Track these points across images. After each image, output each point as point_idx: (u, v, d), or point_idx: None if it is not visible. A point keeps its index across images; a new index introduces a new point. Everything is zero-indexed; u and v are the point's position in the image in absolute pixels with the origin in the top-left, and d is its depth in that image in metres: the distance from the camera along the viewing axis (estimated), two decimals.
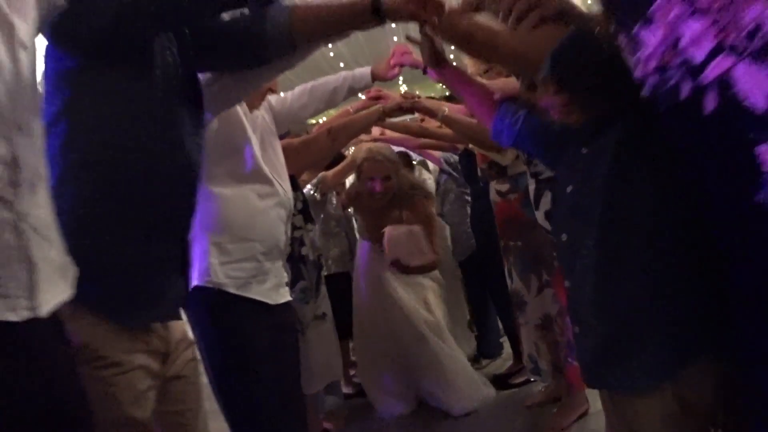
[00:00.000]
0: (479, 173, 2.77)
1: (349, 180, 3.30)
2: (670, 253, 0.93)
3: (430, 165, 4.21)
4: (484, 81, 1.63)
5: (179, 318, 1.36)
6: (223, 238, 1.60)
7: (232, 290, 1.62)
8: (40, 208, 0.85)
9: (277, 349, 1.76)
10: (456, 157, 3.26)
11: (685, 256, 0.92)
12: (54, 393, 0.85)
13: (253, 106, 1.78)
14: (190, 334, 1.47)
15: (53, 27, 1.04)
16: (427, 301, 3.04)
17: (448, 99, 2.86)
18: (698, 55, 0.62)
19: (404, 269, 2.87)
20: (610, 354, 1.03)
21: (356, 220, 3.55)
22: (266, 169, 1.75)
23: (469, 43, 1.19)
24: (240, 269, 1.65)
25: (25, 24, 0.88)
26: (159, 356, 1.25)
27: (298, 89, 2.12)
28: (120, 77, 1.15)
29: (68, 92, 1.11)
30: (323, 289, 2.43)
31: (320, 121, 3.17)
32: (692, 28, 0.62)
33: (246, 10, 1.29)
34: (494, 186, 2.58)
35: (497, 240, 2.60)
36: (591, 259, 1.01)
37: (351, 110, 2.43)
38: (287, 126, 2.16)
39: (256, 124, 1.79)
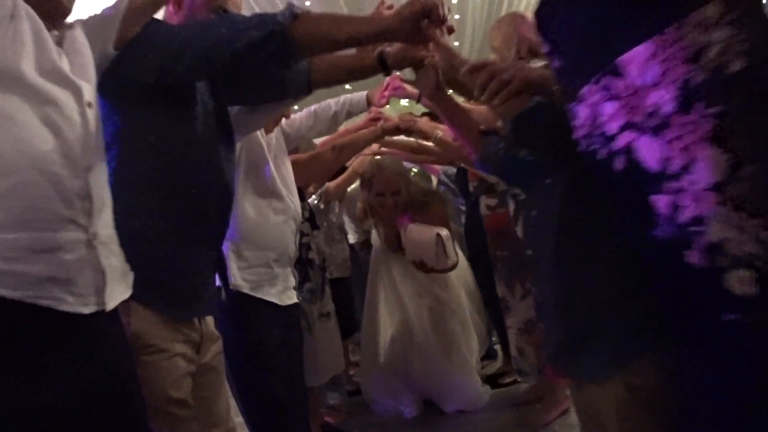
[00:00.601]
0: (471, 189, 2.97)
1: (351, 188, 3.37)
2: (613, 265, 1.13)
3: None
4: (471, 106, 1.83)
5: (214, 313, 1.58)
6: (241, 246, 1.83)
7: (247, 291, 1.85)
8: (106, 227, 1.09)
9: (286, 345, 1.99)
10: (454, 170, 3.40)
11: (625, 267, 1.12)
12: (113, 371, 1.08)
13: (269, 130, 2.01)
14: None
15: (105, 77, 1.24)
16: (440, 306, 2.96)
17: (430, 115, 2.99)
18: (611, 129, 0.83)
19: (428, 270, 2.79)
20: (570, 349, 1.24)
21: (351, 228, 3.60)
22: (281, 187, 1.98)
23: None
24: (254, 273, 1.88)
25: (88, 85, 1.11)
26: (194, 346, 1.47)
27: (304, 112, 2.35)
28: (165, 112, 1.37)
29: (119, 124, 1.30)
30: (328, 290, 2.65)
31: None
32: (608, 109, 0.83)
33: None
34: (484, 201, 2.78)
35: (487, 249, 2.80)
36: (550, 269, 1.22)
37: (351, 129, 2.63)
38: (296, 144, 2.39)
39: (270, 145, 2.01)
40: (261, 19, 1.30)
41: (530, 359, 2.72)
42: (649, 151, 0.80)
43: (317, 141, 2.80)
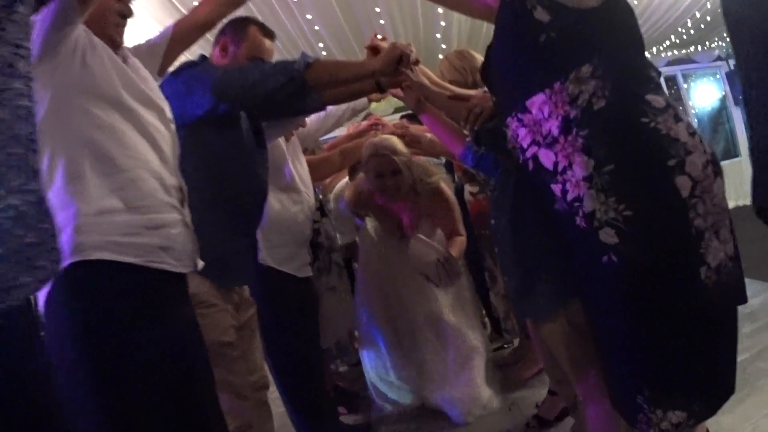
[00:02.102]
0: (456, 178, 3.33)
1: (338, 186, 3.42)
2: (547, 234, 1.55)
3: None
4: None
5: (249, 283, 2.03)
6: (267, 231, 2.25)
7: (272, 265, 2.30)
8: (189, 213, 1.50)
9: (303, 309, 2.45)
10: (442, 161, 3.78)
11: (557, 234, 1.55)
12: (194, 316, 1.51)
13: (288, 137, 2.47)
14: None
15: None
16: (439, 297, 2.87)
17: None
18: (524, 144, 1.29)
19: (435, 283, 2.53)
20: (523, 293, 1.68)
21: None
22: (298, 183, 2.43)
23: None
24: (278, 252, 2.33)
25: (168, 104, 1.53)
26: (235, 306, 1.92)
27: (314, 116, 2.78)
28: (218, 132, 1.82)
29: (181, 142, 1.66)
30: (334, 267, 3.00)
31: None
32: (521, 132, 1.29)
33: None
34: (467, 188, 3.19)
35: (472, 230, 3.22)
36: (506, 236, 1.67)
37: (352, 131, 3.05)
38: (306, 143, 2.84)
39: (289, 148, 2.46)
40: (284, 66, 1.73)
41: (514, 321, 3.11)
42: (546, 158, 1.27)
43: (323, 138, 3.19)
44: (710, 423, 1.92)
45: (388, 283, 2.93)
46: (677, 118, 1.22)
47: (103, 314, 1.24)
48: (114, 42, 1.44)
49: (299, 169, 2.51)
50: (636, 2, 5.67)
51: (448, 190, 2.82)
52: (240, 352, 1.88)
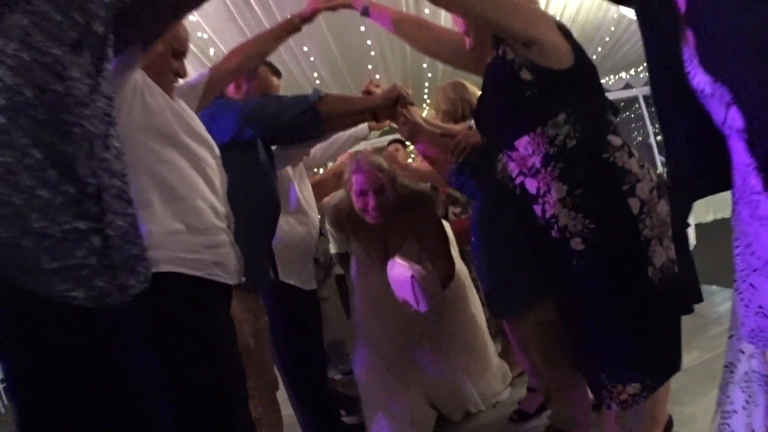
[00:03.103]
0: (440, 201, 3.56)
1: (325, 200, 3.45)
2: (518, 246, 1.87)
3: None
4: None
5: (267, 289, 2.31)
6: (278, 248, 2.47)
7: (283, 279, 2.54)
8: (234, 233, 1.75)
9: (309, 318, 2.71)
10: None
11: (525, 243, 1.83)
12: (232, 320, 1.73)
13: (296, 164, 2.77)
14: None
15: None
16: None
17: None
18: (513, 174, 1.64)
19: (415, 310, 2.31)
20: (499, 296, 2.00)
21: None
22: (304, 205, 2.72)
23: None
24: (287, 267, 2.56)
25: (213, 140, 1.79)
26: (253, 313, 2.20)
27: (319, 144, 3.08)
28: (242, 156, 2.09)
29: None
30: (330, 280, 3.30)
31: None
32: (511, 165, 1.63)
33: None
34: (451, 209, 3.48)
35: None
36: (484, 249, 1.99)
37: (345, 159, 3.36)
38: (313, 167, 3.15)
39: (295, 172, 2.76)
40: (300, 99, 2.07)
41: (494, 328, 3.41)
42: (530, 185, 1.63)
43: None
44: (675, 413, 2.26)
45: (380, 311, 2.77)
46: (630, 154, 1.58)
47: (171, 314, 1.46)
48: (168, 86, 1.68)
49: (305, 193, 2.80)
50: (613, 29, 6.09)
51: (434, 211, 2.71)
52: (254, 357, 2.14)
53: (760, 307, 1.06)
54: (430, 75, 6.14)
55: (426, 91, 7.33)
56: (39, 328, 1.01)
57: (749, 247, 1.07)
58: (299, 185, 2.76)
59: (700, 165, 1.07)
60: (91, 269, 1.05)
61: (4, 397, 6.47)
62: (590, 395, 2.14)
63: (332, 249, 3.35)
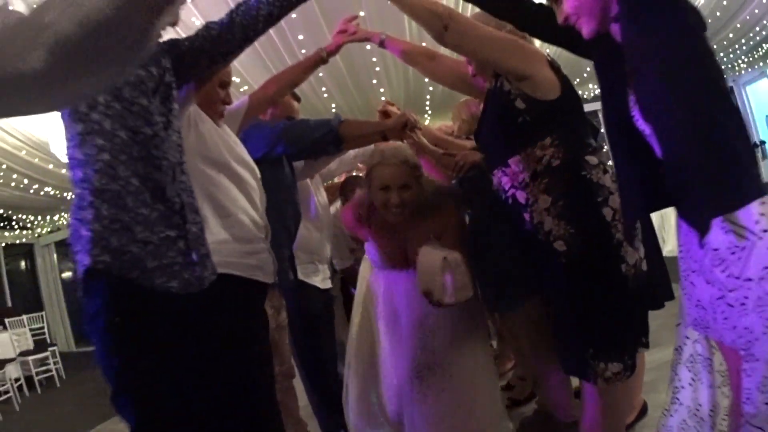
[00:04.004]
0: None
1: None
2: (512, 251, 2.19)
3: None
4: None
5: (288, 287, 2.60)
6: (297, 251, 2.75)
7: (302, 278, 2.86)
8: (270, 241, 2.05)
9: (325, 314, 3.00)
10: None
11: (518, 242, 2.13)
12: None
13: (313, 174, 3.08)
14: None
15: None
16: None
17: None
18: (506, 187, 1.95)
19: (437, 304, 2.11)
20: (492, 292, 2.29)
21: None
22: (321, 212, 3.03)
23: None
24: (306, 268, 2.89)
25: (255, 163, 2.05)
26: (276, 310, 2.49)
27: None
28: (271, 170, 2.38)
29: None
30: (336, 281, 3.57)
31: None
32: (504, 180, 1.95)
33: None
34: None
35: None
36: (482, 253, 2.28)
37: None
38: (326, 180, 3.46)
39: (313, 183, 3.07)
40: (323, 123, 2.39)
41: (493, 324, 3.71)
42: (521, 196, 1.93)
43: None
44: (651, 399, 2.55)
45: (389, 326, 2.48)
46: (605, 171, 1.88)
47: (222, 306, 1.67)
48: (217, 115, 1.94)
49: (321, 201, 3.12)
50: None
51: (459, 216, 2.45)
52: (275, 348, 2.39)
53: (699, 300, 1.36)
54: (431, 89, 6.47)
55: (427, 103, 7.67)
56: (145, 310, 1.33)
57: (688, 252, 1.38)
58: (316, 194, 3.07)
59: (645, 187, 1.38)
60: (179, 266, 1.37)
61: (18, 396, 6.77)
62: (572, 384, 2.44)
63: (338, 266, 3.56)
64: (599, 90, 1.44)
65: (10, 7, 0.71)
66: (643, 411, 2.54)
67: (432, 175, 2.79)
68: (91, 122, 1.33)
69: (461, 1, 1.71)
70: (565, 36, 1.55)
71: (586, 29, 1.40)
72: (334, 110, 6.84)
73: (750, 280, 1.20)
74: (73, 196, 1.39)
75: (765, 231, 1.20)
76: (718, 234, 1.24)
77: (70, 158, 1.39)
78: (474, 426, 2.31)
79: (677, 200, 1.33)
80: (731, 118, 1.25)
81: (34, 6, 0.68)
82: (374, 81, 6.29)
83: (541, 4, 1.65)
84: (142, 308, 1.33)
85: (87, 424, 4.94)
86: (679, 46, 1.24)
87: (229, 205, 1.76)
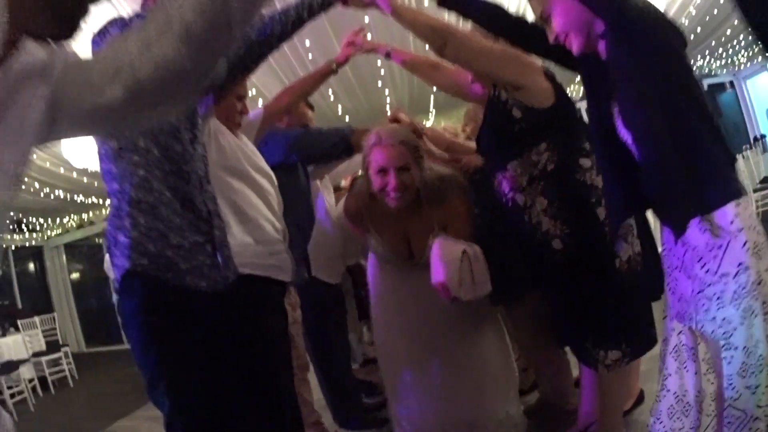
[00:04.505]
0: None
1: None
2: (513, 248, 2.31)
3: None
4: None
5: (303, 284, 2.74)
6: (311, 250, 2.94)
7: (314, 274, 2.98)
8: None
9: (339, 310, 3.18)
10: None
11: (518, 241, 2.25)
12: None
13: (323, 177, 3.22)
14: None
15: None
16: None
17: None
18: (505, 191, 2.09)
19: (453, 299, 2.05)
20: (495, 287, 2.40)
21: None
22: (331, 211, 3.17)
23: None
24: (318, 264, 3.02)
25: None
26: (293, 306, 2.64)
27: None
28: (288, 175, 2.54)
29: None
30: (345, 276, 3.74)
31: None
32: (503, 183, 2.08)
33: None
34: None
35: None
36: (486, 250, 2.42)
37: None
38: (335, 182, 3.60)
39: (323, 184, 3.21)
40: (335, 132, 2.55)
41: None
42: (519, 199, 2.07)
43: None
44: (647, 388, 2.66)
45: (401, 318, 2.40)
46: (597, 172, 2.01)
47: (246, 303, 1.80)
48: (234, 127, 2.07)
49: (330, 201, 3.26)
50: None
51: (468, 205, 2.31)
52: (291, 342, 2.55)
53: (681, 295, 1.49)
54: (434, 90, 6.59)
55: (432, 102, 7.82)
56: (177, 307, 1.48)
57: (671, 250, 1.51)
58: (326, 195, 3.22)
59: (627, 192, 1.51)
60: (207, 267, 1.51)
61: (32, 397, 6.91)
62: (572, 373, 2.58)
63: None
64: (586, 101, 1.57)
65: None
66: (640, 399, 2.66)
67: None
68: (125, 139, 1.47)
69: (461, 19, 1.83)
70: (556, 53, 1.69)
71: (575, 47, 1.54)
72: (340, 112, 7.02)
73: (726, 275, 1.33)
74: (109, 206, 1.53)
75: (740, 230, 1.32)
76: (696, 233, 1.37)
77: (105, 172, 1.54)
78: (487, 404, 2.28)
79: (655, 203, 1.47)
80: (707, 126, 1.39)
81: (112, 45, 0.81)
82: (379, 83, 6.42)
83: (533, 24, 1.78)
84: (175, 305, 1.48)
85: (104, 423, 5.08)
86: (657, 62, 1.38)
87: (249, 210, 1.91)
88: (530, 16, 1.76)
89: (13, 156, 0.73)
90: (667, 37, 1.40)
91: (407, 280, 2.34)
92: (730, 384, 1.37)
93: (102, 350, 11.24)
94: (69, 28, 0.77)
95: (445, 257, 2.01)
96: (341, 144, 2.54)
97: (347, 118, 7.19)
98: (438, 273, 2.02)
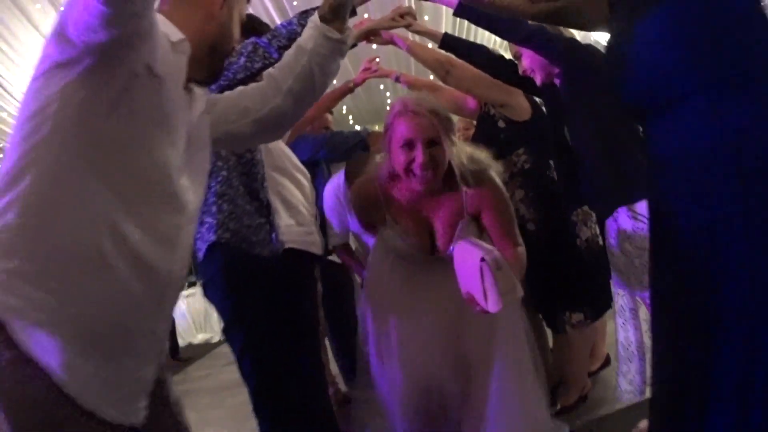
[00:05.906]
0: None
1: None
2: None
3: None
4: None
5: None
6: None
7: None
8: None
9: (350, 285, 3.65)
10: None
11: None
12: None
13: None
14: None
15: None
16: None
17: None
18: None
19: (482, 312, 1.64)
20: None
21: None
22: (343, 199, 3.67)
23: None
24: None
25: None
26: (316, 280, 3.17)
27: None
28: (312, 170, 3.07)
29: None
30: None
31: None
32: None
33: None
34: None
35: None
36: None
37: None
38: None
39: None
40: (354, 135, 3.06)
41: None
42: None
43: None
44: (613, 353, 3.06)
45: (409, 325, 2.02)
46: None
47: (292, 269, 2.12)
48: None
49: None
50: None
51: (500, 182, 1.98)
52: None
53: (619, 267, 2.04)
54: None
55: None
56: (247, 268, 2.00)
57: (610, 234, 2.06)
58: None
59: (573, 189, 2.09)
60: (266, 241, 2.04)
61: None
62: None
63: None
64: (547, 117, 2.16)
65: None
66: (607, 362, 3.17)
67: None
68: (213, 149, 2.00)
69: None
70: (524, 83, 2.28)
71: (538, 79, 2.11)
72: (344, 111, 7.66)
73: (646, 249, 1.85)
74: None
75: None
76: (626, 219, 1.92)
77: None
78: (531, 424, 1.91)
79: (589, 198, 2.01)
80: (635, 140, 1.93)
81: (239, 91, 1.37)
82: (381, 86, 7.05)
83: (510, 60, 2.36)
84: (248, 267, 2.01)
85: None
86: (596, 96, 1.93)
87: (292, 199, 2.39)
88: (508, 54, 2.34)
89: (205, 162, 1.27)
90: (604, 77, 1.93)
91: (427, 280, 1.98)
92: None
93: None
94: (214, 77, 1.33)
95: (464, 273, 1.69)
96: (359, 145, 3.03)
97: (350, 118, 7.81)
98: (463, 283, 1.70)
